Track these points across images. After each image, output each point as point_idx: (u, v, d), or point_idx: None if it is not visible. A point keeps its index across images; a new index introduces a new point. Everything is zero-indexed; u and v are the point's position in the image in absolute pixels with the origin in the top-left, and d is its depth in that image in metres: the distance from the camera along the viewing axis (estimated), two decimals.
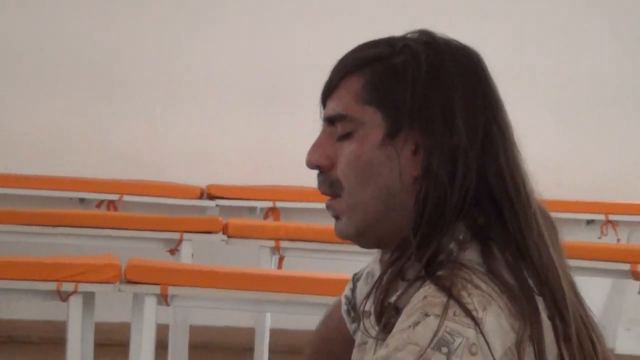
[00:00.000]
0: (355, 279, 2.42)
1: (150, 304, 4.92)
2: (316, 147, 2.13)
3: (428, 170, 2.04)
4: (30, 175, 7.09)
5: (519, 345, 1.98)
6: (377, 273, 2.27)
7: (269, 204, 7.16)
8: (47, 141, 7.38)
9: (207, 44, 7.58)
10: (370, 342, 2.11)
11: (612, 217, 7.23)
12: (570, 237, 6.34)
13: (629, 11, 7.62)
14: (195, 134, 7.54)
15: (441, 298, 1.94)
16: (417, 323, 1.93)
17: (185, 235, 6.07)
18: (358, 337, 2.25)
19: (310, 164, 2.12)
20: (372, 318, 2.07)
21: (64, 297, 4.87)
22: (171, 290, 4.92)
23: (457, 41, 2.16)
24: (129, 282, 4.95)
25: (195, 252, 6.07)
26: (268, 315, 5.87)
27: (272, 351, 5.97)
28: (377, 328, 2.05)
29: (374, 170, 2.08)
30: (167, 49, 7.54)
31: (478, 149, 2.05)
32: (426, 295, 1.95)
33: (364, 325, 2.14)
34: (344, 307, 2.46)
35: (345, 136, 2.09)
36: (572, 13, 7.63)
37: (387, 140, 2.06)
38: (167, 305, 4.99)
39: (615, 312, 6.87)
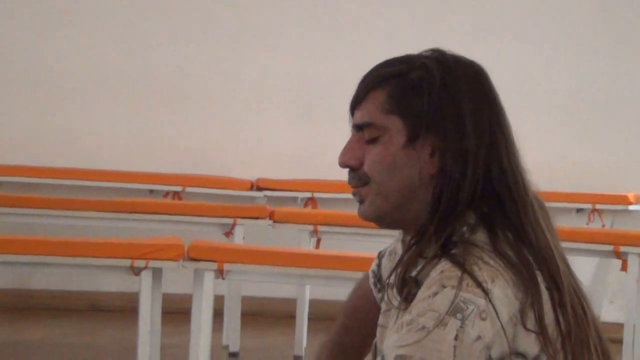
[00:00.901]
0: (380, 256, 2.50)
1: (208, 278, 4.95)
2: (347, 150, 2.18)
3: (443, 169, 2.10)
4: (109, 170, 7.12)
5: (522, 312, 2.02)
6: (399, 251, 2.32)
7: (308, 195, 7.17)
8: (124, 142, 7.38)
9: (259, 63, 7.58)
10: (394, 310, 2.14)
11: (598, 206, 7.21)
12: (562, 223, 6.38)
13: (611, 27, 7.54)
14: (247, 136, 7.55)
15: (456, 272, 1.99)
16: (436, 293, 1.98)
17: (238, 221, 6.10)
18: (383, 306, 2.27)
19: (342, 164, 2.18)
20: (395, 290, 2.10)
21: (136, 272, 4.91)
22: (226, 267, 4.94)
23: (464, 57, 2.20)
24: (191, 259, 4.98)
25: (246, 234, 6.09)
26: (307, 288, 5.90)
27: (311, 318, 6.00)
28: (399, 299, 2.10)
29: (397, 169, 2.13)
30: (227, 68, 7.55)
31: (484, 150, 2.11)
32: (443, 269, 2.00)
33: (387, 296, 2.18)
34: (371, 280, 2.52)
35: (372, 140, 2.15)
36: (562, 32, 7.57)
37: (408, 144, 2.12)
38: (223, 279, 5.03)
39: (600, 287, 6.86)
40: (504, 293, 1.99)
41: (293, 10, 7.57)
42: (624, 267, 5.98)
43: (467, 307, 1.96)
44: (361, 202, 2.16)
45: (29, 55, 7.36)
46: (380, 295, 2.43)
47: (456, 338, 1.94)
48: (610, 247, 5.97)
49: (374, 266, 2.52)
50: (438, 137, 2.10)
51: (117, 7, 7.46)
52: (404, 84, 2.13)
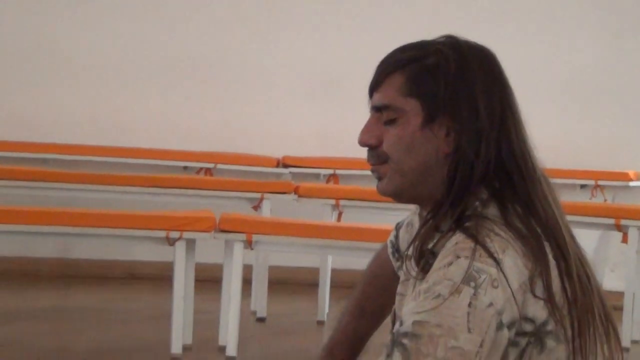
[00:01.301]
0: (398, 227, 2.51)
1: (238, 248, 4.97)
2: (366, 130, 2.19)
3: (458, 148, 2.11)
4: (147, 149, 7.13)
5: (530, 280, 2.03)
6: (416, 223, 2.34)
7: (330, 172, 7.17)
8: (161, 123, 7.40)
9: (285, 48, 7.58)
10: (412, 280, 2.17)
11: (600, 183, 7.19)
12: (567, 198, 6.35)
13: (613, 14, 7.52)
14: (273, 117, 7.54)
15: (469, 243, 2.00)
16: (450, 263, 1.99)
17: (265, 195, 6.12)
18: (402, 275, 2.29)
19: (362, 143, 2.19)
20: (413, 261, 2.11)
21: (171, 242, 4.94)
22: (254, 238, 4.97)
23: (476, 43, 2.20)
24: (222, 231, 5.01)
25: (272, 208, 6.11)
26: (329, 258, 5.91)
27: (332, 286, 6.01)
28: (416, 269, 2.10)
29: (415, 148, 2.14)
30: (255, 53, 7.55)
31: (496, 130, 2.13)
32: (457, 241, 2.01)
33: (406, 266, 2.19)
34: (389, 250, 2.54)
35: (390, 122, 2.16)
36: (566, 17, 7.54)
37: (426, 125, 2.13)
38: (251, 249, 5.07)
39: (602, 257, 6.84)
40: (514, 262, 2.00)
41: (317, 2, 7.57)
42: (624, 239, 6.00)
43: (480, 276, 1.97)
44: (380, 179, 2.17)
45: (79, 45, 7.38)
46: (398, 264, 2.44)
47: (470, 305, 1.95)
48: (611, 221, 6.01)
49: (391, 237, 2.54)
50: (453, 118, 2.11)
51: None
52: (421, 69, 2.14)
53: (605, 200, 7.12)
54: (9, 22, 7.31)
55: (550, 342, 2.05)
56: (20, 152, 6.88)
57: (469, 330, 1.97)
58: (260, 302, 6.05)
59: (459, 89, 2.12)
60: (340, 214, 6.08)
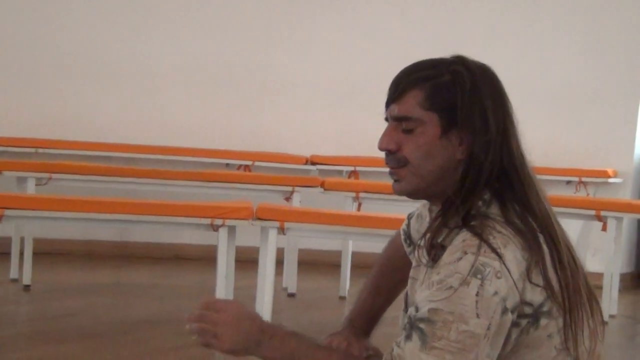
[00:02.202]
0: (409, 217, 2.54)
1: (272, 234, 4.98)
2: (385, 137, 2.19)
3: (470, 155, 2.13)
4: (195, 148, 7.15)
5: (528, 269, 2.04)
6: (425, 215, 2.38)
7: (351, 168, 7.17)
8: (207, 125, 7.42)
9: (312, 61, 7.58)
10: (422, 267, 2.18)
11: (583, 179, 7.17)
12: (554, 192, 6.37)
13: (594, 32, 7.48)
14: (303, 121, 7.55)
15: (475, 241, 2.02)
16: (459, 258, 2.01)
17: (296, 189, 6.13)
18: (414, 262, 2.30)
19: (382, 148, 2.20)
20: (424, 251, 2.13)
21: (215, 228, 4.95)
22: (286, 225, 4.98)
23: (480, 62, 2.21)
24: (259, 219, 5.02)
25: (302, 199, 6.12)
26: (350, 242, 5.91)
27: (353, 267, 6.02)
28: (427, 258, 2.13)
29: (433, 155, 2.15)
30: (288, 64, 7.56)
31: (500, 139, 2.10)
32: (464, 239, 2.04)
33: (418, 254, 2.21)
34: (402, 237, 2.56)
35: (409, 130, 2.17)
36: (553, 36, 7.52)
37: (443, 135, 2.15)
38: (284, 234, 5.06)
39: (584, 244, 6.83)
40: (514, 255, 2.02)
41: (338, 19, 7.56)
42: (604, 228, 6.01)
43: (485, 269, 1.99)
44: (397, 180, 2.18)
45: (137, 59, 7.40)
46: (409, 249, 2.46)
47: (477, 294, 1.97)
48: (593, 212, 6.02)
49: (404, 225, 2.55)
50: (467, 129, 2.12)
51: (201, 11, 7.46)
52: (439, 86, 2.15)
53: (587, 194, 7.09)
54: (73, 36, 7.32)
55: (543, 320, 2.07)
56: (87, 151, 6.90)
57: (478, 316, 1.99)
58: (290, 280, 6.08)
59: (472, 104, 2.13)
60: (359, 205, 6.09)
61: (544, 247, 2.07)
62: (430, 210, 2.27)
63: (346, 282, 6.07)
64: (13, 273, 5.86)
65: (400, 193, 2.20)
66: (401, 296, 2.42)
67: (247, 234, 5.37)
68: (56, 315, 5.04)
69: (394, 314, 2.40)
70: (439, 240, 2.10)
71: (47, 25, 7.28)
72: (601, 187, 7.26)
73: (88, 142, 7.02)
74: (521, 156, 2.16)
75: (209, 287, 5.16)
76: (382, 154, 2.21)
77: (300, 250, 6.20)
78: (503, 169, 2.13)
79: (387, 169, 2.23)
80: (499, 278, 1.99)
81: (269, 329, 2.11)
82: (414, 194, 2.21)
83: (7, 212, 4.69)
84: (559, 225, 2.17)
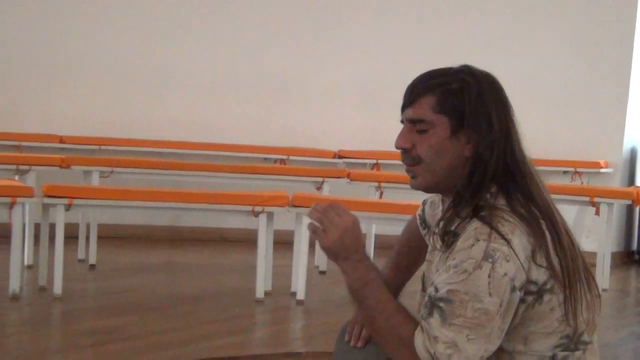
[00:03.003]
0: (424, 203, 2.53)
1: (305, 219, 4.96)
2: (401, 136, 2.20)
3: (477, 153, 2.14)
4: (237, 144, 7.17)
5: (533, 252, 2.04)
6: (438, 202, 2.39)
7: (374, 161, 7.15)
8: (248, 125, 7.43)
9: (339, 67, 7.58)
10: (437, 251, 2.20)
11: (578, 169, 7.14)
12: (553, 182, 6.34)
13: (587, 40, 7.44)
14: (331, 120, 7.55)
15: (486, 229, 2.02)
16: (472, 245, 2.01)
17: (326, 179, 6.14)
18: (429, 246, 2.29)
19: (399, 147, 2.21)
20: (438, 237, 2.15)
21: (256, 214, 4.97)
22: None
23: (485, 71, 2.24)
24: (293, 206, 5.03)
25: (331, 189, 6.12)
26: (374, 226, 5.89)
27: (375, 247, 6.00)
28: (441, 243, 2.14)
29: (444, 153, 2.15)
30: (318, 70, 7.57)
31: (503, 139, 2.13)
32: (476, 227, 2.04)
33: (432, 240, 2.22)
34: (418, 220, 2.57)
35: (422, 132, 2.18)
36: (550, 44, 7.49)
37: (452, 135, 2.15)
38: None
39: (579, 226, 6.79)
40: (520, 241, 2.02)
41: (363, 30, 7.55)
42: (597, 212, 6.00)
43: (495, 254, 1.99)
44: (414, 177, 2.19)
45: (190, 67, 7.42)
46: (424, 232, 2.47)
47: (489, 276, 1.98)
48: (587, 199, 6.00)
49: (419, 211, 2.55)
50: (474, 130, 2.13)
51: (242, 24, 7.47)
52: (449, 92, 2.16)
53: (582, 183, 7.05)
54: (135, 50, 7.35)
55: (547, 296, 2.07)
56: (144, 147, 6.93)
57: (490, 295, 1.99)
58: (321, 259, 6.05)
59: (478, 108, 2.14)
60: (381, 194, 6.07)
61: (546, 232, 2.08)
62: (442, 201, 2.29)
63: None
64: (80, 254, 5.90)
65: (416, 188, 2.21)
66: (418, 274, 2.43)
67: (284, 219, 5.37)
68: (117, 290, 5.07)
69: (411, 289, 2.41)
70: (452, 228, 2.11)
71: (113, 42, 7.31)
72: (594, 176, 7.22)
73: (145, 139, 7.04)
74: (522, 153, 2.17)
75: (251, 265, 5.17)
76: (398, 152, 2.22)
77: None
78: (507, 165, 2.14)
79: (406, 172, 2.25)
80: (507, 261, 2.00)
81: (362, 254, 2.13)
82: (428, 189, 2.23)
83: (76, 202, 4.72)
84: (558, 212, 2.18)
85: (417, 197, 2.45)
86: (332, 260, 2.16)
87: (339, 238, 2.13)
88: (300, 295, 4.92)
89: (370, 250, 6.03)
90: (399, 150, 2.20)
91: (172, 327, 4.19)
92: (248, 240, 6.28)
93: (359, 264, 2.14)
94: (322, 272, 5.97)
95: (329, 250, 2.13)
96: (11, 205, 4.57)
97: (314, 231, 2.15)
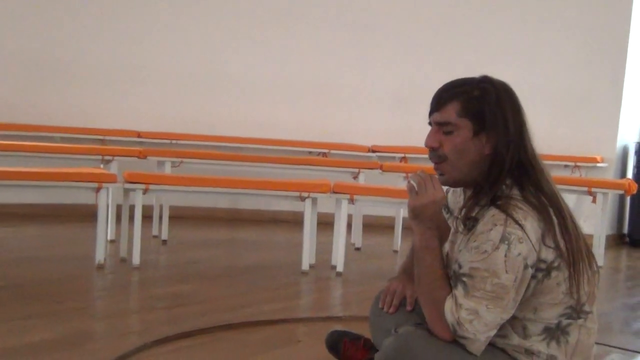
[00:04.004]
0: (447, 191, 2.51)
1: (344, 204, 4.98)
2: (430, 137, 2.21)
3: (495, 151, 2.13)
4: (288, 139, 7.20)
5: (543, 235, 2.03)
6: (460, 191, 2.37)
7: (402, 155, 7.13)
8: (295, 123, 7.44)
9: (374, 74, 7.55)
10: (459, 234, 2.20)
11: (578, 164, 7.11)
12: (555, 174, 6.24)
13: (586, 47, 7.35)
14: (366, 120, 7.54)
15: (502, 215, 2.02)
16: (491, 229, 2.01)
17: (361, 170, 6.13)
18: (452, 228, 2.27)
19: (427, 146, 2.23)
20: (460, 222, 2.17)
21: (302, 199, 4.97)
22: (355, 197, 4.96)
23: (502, 81, 2.26)
24: (334, 192, 5.01)
25: (366, 178, 6.09)
26: (401, 210, 5.87)
27: (403, 228, 6.00)
28: (462, 227, 2.16)
29: (467, 152, 2.15)
30: (355, 77, 7.54)
31: (518, 139, 2.13)
32: (494, 214, 2.05)
33: (456, 224, 2.24)
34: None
35: (448, 132, 2.17)
36: (553, 51, 7.41)
37: (474, 136, 2.15)
38: (353, 204, 5.04)
39: (578, 212, 6.71)
40: (531, 225, 2.02)
41: (392, 44, 7.51)
42: (593, 201, 5.95)
43: (511, 237, 1.99)
44: (442, 174, 2.20)
45: (246, 69, 7.43)
46: (447, 215, 2.46)
47: (505, 256, 1.98)
48: (585, 189, 5.94)
49: None
50: (492, 132, 2.13)
51: (292, 38, 7.47)
52: (471, 99, 2.16)
53: (580, 175, 7.00)
54: (201, 57, 7.38)
55: (554, 273, 2.06)
56: (209, 142, 6.95)
57: (506, 272, 1.99)
58: (357, 237, 6.05)
59: (496, 113, 2.13)
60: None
61: (554, 218, 2.08)
62: (464, 190, 2.29)
63: (398, 240, 6.03)
64: (154, 231, 5.95)
65: (445, 184, 2.23)
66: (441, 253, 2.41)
67: (326, 203, 5.37)
68: (185, 262, 5.10)
69: None
70: (472, 214, 2.10)
71: (182, 52, 7.35)
72: (591, 170, 7.17)
73: (209, 135, 7.07)
74: (533, 151, 2.17)
75: (297, 242, 5.17)
76: (422, 147, 2.25)
77: (365, 216, 6.18)
78: (520, 161, 2.14)
79: (427, 155, 2.24)
80: (521, 243, 2.00)
81: (434, 224, 2.16)
82: (455, 184, 2.24)
83: (151, 187, 4.75)
84: (563, 200, 2.18)
85: None
86: (410, 218, 2.20)
87: (424, 204, 2.15)
88: (339, 268, 4.91)
89: (398, 230, 6.02)
90: (428, 149, 2.20)
91: (230, 293, 4.20)
92: (295, 221, 6.30)
93: (428, 230, 2.16)
94: (358, 249, 5.96)
95: (413, 209, 2.17)
96: (97, 190, 4.61)
97: (410, 190, 2.19)
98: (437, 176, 2.22)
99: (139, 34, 7.24)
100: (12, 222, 6.27)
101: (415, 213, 2.17)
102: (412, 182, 2.21)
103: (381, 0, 7.52)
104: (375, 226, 6.73)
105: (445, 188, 2.42)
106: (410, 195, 2.20)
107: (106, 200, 4.68)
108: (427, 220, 2.17)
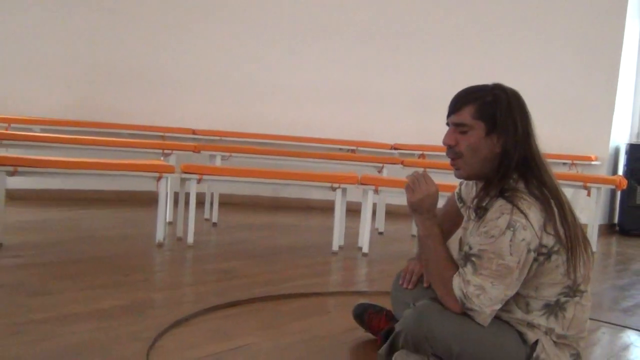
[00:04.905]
0: (460, 183, 2.57)
1: (370, 194, 4.98)
2: (448, 135, 2.20)
3: (504, 150, 2.10)
4: (322, 138, 7.18)
5: (544, 224, 2.02)
6: (472, 184, 2.35)
7: (420, 152, 7.09)
8: (328, 123, 7.40)
9: (396, 78, 7.51)
10: (471, 221, 2.20)
11: (575, 162, 7.05)
12: (556, 170, 6.16)
13: (583, 58, 7.26)
14: (389, 120, 7.51)
15: (509, 206, 2.00)
16: (498, 217, 1.99)
17: (385, 165, 6.12)
18: (465, 216, 2.27)
19: (445, 143, 2.22)
20: (472, 211, 2.16)
21: (333, 189, 4.95)
22: (380, 188, 4.94)
23: (512, 88, 2.24)
24: (362, 184, 4.99)
25: (388, 172, 6.08)
26: None
27: None
28: (474, 216, 2.15)
29: (479, 149, 2.13)
30: (380, 82, 7.50)
31: (524, 138, 2.08)
32: (501, 204, 2.03)
33: (468, 212, 2.21)
34: (456, 196, 2.53)
35: (464, 132, 2.15)
36: (554, 60, 7.31)
37: (486, 136, 2.14)
38: (377, 194, 5.02)
39: (575, 204, 6.53)
40: (535, 215, 2.00)
41: (413, 54, 7.48)
42: (588, 194, 5.88)
43: (516, 224, 1.97)
44: (457, 169, 2.19)
45: (285, 79, 7.42)
46: (460, 205, 2.47)
47: (511, 240, 1.97)
48: (581, 184, 5.86)
49: (457, 189, 2.57)
50: (503, 133, 2.11)
51: (326, 49, 7.45)
52: (485, 103, 2.14)
53: (577, 172, 6.93)
54: (246, 63, 7.41)
55: (554, 256, 2.04)
56: (254, 139, 6.97)
57: (511, 254, 1.97)
58: (380, 223, 6.04)
59: (506, 116, 2.11)
60: None
61: (554, 209, 2.05)
62: (475, 183, 2.28)
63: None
64: (206, 215, 5.98)
65: (460, 178, 2.22)
66: (455, 237, 2.41)
67: (354, 193, 5.37)
68: (232, 242, 5.12)
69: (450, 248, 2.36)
70: (483, 204, 2.09)
71: (231, 60, 7.37)
72: (587, 167, 7.09)
73: (254, 133, 7.09)
74: (537, 149, 2.15)
75: (328, 227, 5.17)
76: (440, 143, 2.24)
77: (387, 205, 6.15)
78: (526, 158, 2.12)
79: (443, 153, 2.26)
80: (525, 230, 1.98)
81: (432, 213, 2.18)
82: (468, 178, 2.22)
83: (204, 177, 4.77)
84: (563, 193, 2.16)
85: (453, 180, 2.43)
86: (411, 212, 2.20)
87: (421, 199, 2.16)
88: (365, 250, 4.91)
89: None
90: (445, 146, 2.19)
91: (271, 269, 4.21)
92: (327, 208, 6.32)
93: (427, 220, 2.16)
94: (381, 233, 5.94)
95: (411, 204, 2.19)
96: (158, 179, 4.65)
97: (407, 188, 2.20)
98: (428, 174, 2.24)
99: (196, 47, 7.28)
100: (86, 205, 6.35)
101: (414, 207, 2.19)
102: (407, 181, 2.22)
103: (404, 20, 7.48)
104: (396, 214, 6.70)
105: (459, 181, 2.42)
106: (408, 193, 2.20)
107: (165, 188, 4.71)
108: (426, 212, 2.17)
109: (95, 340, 2.53)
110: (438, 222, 2.19)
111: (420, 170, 2.31)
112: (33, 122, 6.26)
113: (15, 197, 6.10)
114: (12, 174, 4.18)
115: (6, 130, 5.98)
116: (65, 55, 6.81)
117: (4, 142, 5.28)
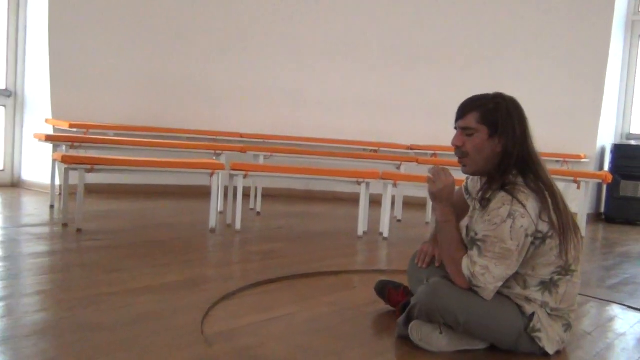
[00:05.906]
0: (467, 178, 2.51)
1: (390, 187, 4.95)
2: (456, 138, 2.20)
3: (505, 150, 2.08)
4: (350, 139, 7.15)
5: (540, 212, 2.01)
6: (477, 179, 2.31)
7: (433, 152, 7.04)
8: (357, 128, 7.37)
9: (410, 86, 7.44)
10: (476, 211, 2.20)
11: (566, 159, 6.95)
12: (550, 167, 6.05)
13: (572, 68, 7.15)
14: (406, 125, 7.46)
15: (509, 197, 1.98)
16: (500, 207, 1.98)
17: (402, 163, 6.10)
18: (471, 206, 2.24)
19: (454, 145, 2.22)
20: (477, 202, 2.14)
21: (359, 183, 4.93)
22: (398, 182, 4.93)
23: (511, 96, 2.21)
24: (383, 179, 4.97)
25: (406, 169, 6.05)
26: None
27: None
28: (479, 206, 2.15)
29: (483, 150, 2.11)
30: (395, 90, 7.42)
31: (522, 140, 2.06)
32: (502, 196, 2.02)
33: (474, 204, 2.19)
34: (463, 189, 2.49)
35: (469, 135, 2.13)
36: (544, 72, 7.21)
37: (489, 138, 2.12)
38: (396, 187, 4.99)
39: (566, 196, 6.38)
40: (532, 205, 1.98)
41: (426, 67, 7.40)
42: (578, 187, 5.78)
43: (515, 213, 1.96)
44: (464, 166, 2.18)
45: (319, 87, 7.41)
46: (467, 196, 2.44)
47: (511, 227, 1.96)
48: (572, 178, 5.75)
49: (464, 183, 2.55)
50: (503, 135, 2.09)
51: (358, 61, 7.42)
52: (488, 110, 2.13)
53: (568, 168, 6.83)
54: (286, 76, 7.40)
55: (548, 241, 2.02)
56: (291, 141, 6.94)
57: (511, 239, 1.96)
58: (399, 212, 6.00)
59: (506, 121, 2.09)
60: None
61: (549, 199, 2.03)
62: (480, 179, 2.26)
63: (429, 214, 5.97)
64: (251, 205, 6.02)
65: (466, 173, 2.22)
66: (462, 224, 2.39)
67: (376, 187, 5.35)
68: (273, 228, 5.14)
69: None
70: (487, 196, 2.08)
71: (274, 75, 7.38)
72: (576, 164, 6.98)
73: (291, 136, 7.07)
74: (534, 149, 2.13)
75: (354, 215, 5.16)
76: (449, 144, 2.22)
77: (405, 196, 6.12)
78: (524, 157, 2.10)
79: (453, 152, 2.24)
80: (523, 218, 1.96)
81: (450, 202, 2.15)
82: (474, 174, 2.21)
83: (250, 173, 4.79)
84: (556, 186, 2.14)
85: (461, 175, 2.41)
86: (432, 200, 2.21)
87: (440, 189, 2.16)
88: (385, 235, 4.88)
89: (429, 207, 5.94)
90: (454, 147, 2.18)
91: (305, 251, 4.22)
92: (353, 199, 6.29)
93: (446, 208, 2.16)
94: (399, 221, 5.91)
95: (432, 194, 2.19)
96: (211, 175, 4.68)
97: (428, 180, 2.20)
98: (448, 169, 2.23)
99: (243, 65, 7.30)
100: (152, 197, 6.41)
101: (435, 196, 2.19)
102: (429, 174, 2.21)
103: (419, 42, 7.43)
104: (412, 204, 6.66)
105: (465, 177, 2.39)
106: (429, 184, 2.20)
107: (217, 183, 4.74)
108: (445, 200, 2.17)
109: (159, 310, 2.56)
110: (453, 210, 2.19)
111: (433, 167, 2.30)
112: (107, 127, 6.35)
113: (92, 190, 6.19)
114: (89, 171, 4.25)
115: (85, 134, 6.07)
116: (136, 72, 6.89)
117: (84, 144, 5.37)
